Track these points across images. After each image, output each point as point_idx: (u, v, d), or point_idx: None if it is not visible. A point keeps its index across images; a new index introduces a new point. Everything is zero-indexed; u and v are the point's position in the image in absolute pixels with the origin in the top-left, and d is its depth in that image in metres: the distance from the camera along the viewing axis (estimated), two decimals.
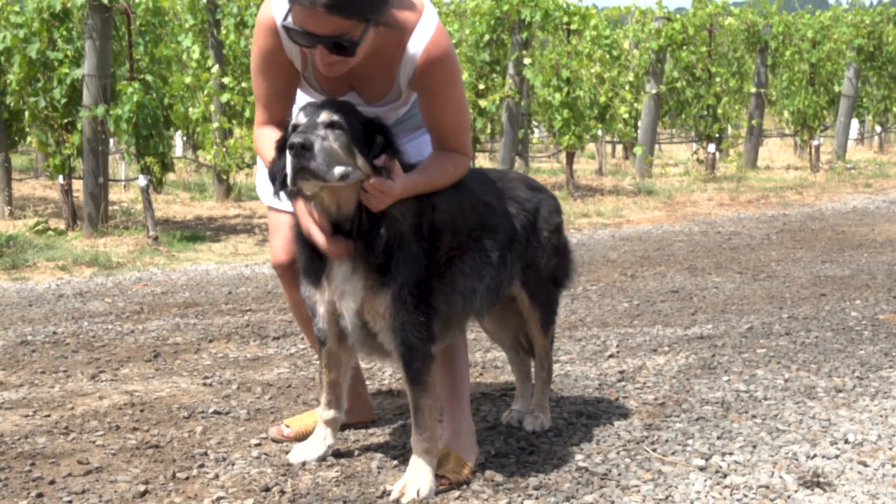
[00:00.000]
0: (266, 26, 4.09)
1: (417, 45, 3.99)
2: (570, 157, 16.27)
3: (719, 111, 19.26)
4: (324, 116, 3.67)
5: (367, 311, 3.88)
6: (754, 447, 4.60)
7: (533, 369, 5.04)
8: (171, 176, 15.70)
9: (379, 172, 3.71)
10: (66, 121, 12.17)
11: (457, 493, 4.11)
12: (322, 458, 4.47)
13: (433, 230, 3.93)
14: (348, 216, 3.78)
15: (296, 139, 3.52)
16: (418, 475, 4.02)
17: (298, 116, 3.74)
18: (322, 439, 4.47)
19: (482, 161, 20.61)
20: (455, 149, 4.11)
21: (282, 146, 3.78)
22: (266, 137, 4.12)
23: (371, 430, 4.95)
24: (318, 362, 4.40)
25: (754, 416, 5.06)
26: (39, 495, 4.12)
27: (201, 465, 4.47)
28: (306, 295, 4.09)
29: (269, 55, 4.13)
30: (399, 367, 3.97)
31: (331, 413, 4.44)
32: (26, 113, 12.50)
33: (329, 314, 4.01)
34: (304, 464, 4.43)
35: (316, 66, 4.05)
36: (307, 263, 4.01)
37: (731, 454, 4.51)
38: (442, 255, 3.97)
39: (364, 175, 3.69)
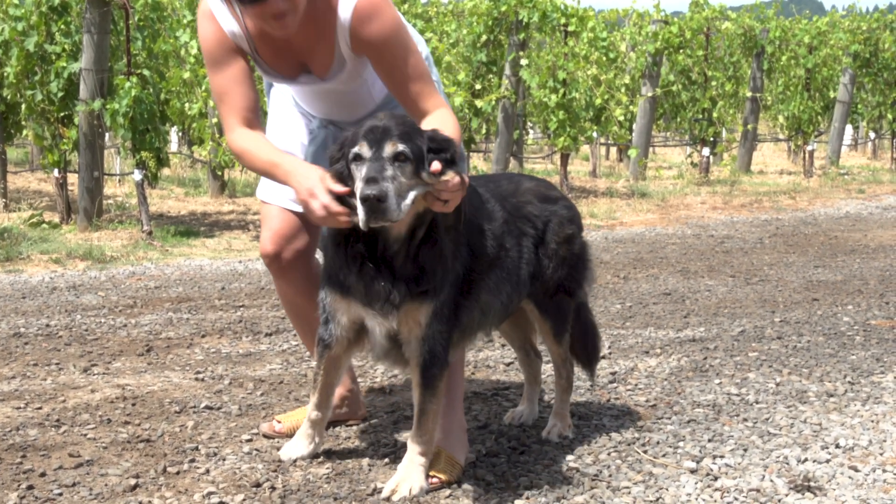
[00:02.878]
0: (205, 15, 4.19)
1: (347, 6, 4.04)
2: (565, 159, 16.29)
3: (714, 115, 19.29)
4: (388, 149, 3.62)
5: (405, 326, 3.90)
6: (745, 450, 4.61)
7: (544, 374, 5.15)
8: (165, 171, 15.70)
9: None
10: (62, 114, 12.16)
11: (447, 491, 4.11)
12: (313, 456, 4.47)
13: (469, 251, 4.03)
14: (399, 238, 3.80)
15: (370, 192, 3.47)
16: (411, 474, 4.04)
17: (361, 146, 3.66)
18: (311, 437, 4.47)
19: (477, 161, 20.60)
20: (435, 107, 4.12)
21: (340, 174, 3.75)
22: (255, 143, 4.15)
23: (362, 428, 4.95)
24: (312, 360, 4.41)
25: (745, 420, 5.08)
26: (30, 487, 4.12)
27: (192, 460, 4.47)
28: (326, 301, 4.06)
29: (217, 44, 4.18)
30: (415, 372, 3.99)
31: (319, 414, 4.44)
32: (23, 106, 12.49)
33: (351, 323, 4.03)
34: (294, 461, 4.43)
35: (261, 47, 4.16)
36: (334, 270, 3.98)
37: (722, 457, 4.52)
38: (474, 274, 4.07)
39: (426, 188, 3.65)
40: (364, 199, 3.48)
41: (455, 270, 3.93)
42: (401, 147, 3.61)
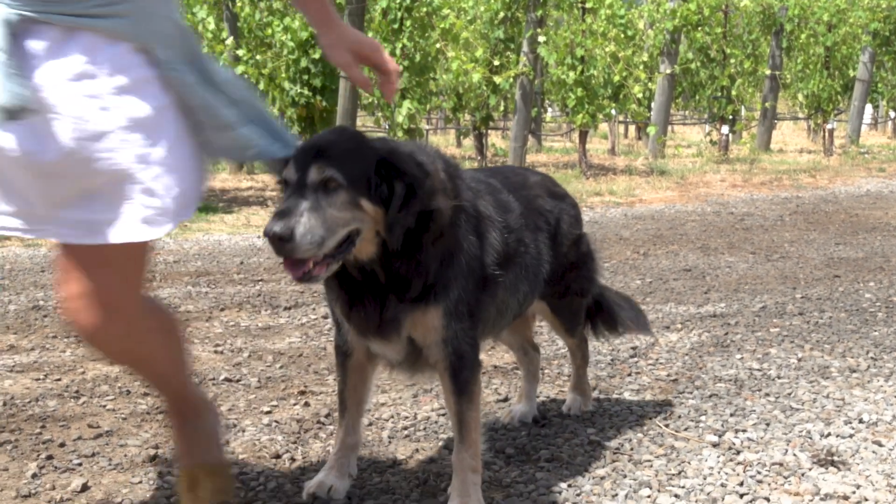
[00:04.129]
0: None
1: None
2: (583, 136, 16.22)
3: (733, 93, 19.20)
4: (314, 175, 3.06)
5: (418, 334, 3.43)
6: (768, 425, 4.57)
7: (541, 368, 5.00)
8: None
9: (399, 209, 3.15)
10: None
11: None
12: (349, 495, 3.81)
13: (483, 244, 3.57)
14: (370, 256, 3.26)
15: (269, 228, 2.98)
16: (468, 496, 3.56)
17: (289, 168, 3.11)
18: (345, 468, 3.84)
19: (494, 139, 20.53)
20: None
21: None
22: None
23: (381, 400, 4.93)
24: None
25: (767, 395, 5.04)
26: (49, 457, 4.12)
27: None
28: (332, 308, 3.64)
29: None
30: (445, 378, 3.52)
31: (350, 439, 3.84)
32: None
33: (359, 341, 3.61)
34: (331, 497, 3.73)
35: None
36: (334, 281, 3.45)
37: (744, 431, 4.48)
38: (491, 268, 3.61)
39: (376, 222, 3.15)
40: (265, 237, 3.01)
41: (463, 264, 3.41)
42: (329, 172, 3.05)
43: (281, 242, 2.97)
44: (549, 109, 25.75)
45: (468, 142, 21.88)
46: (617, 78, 16.67)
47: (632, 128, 26.29)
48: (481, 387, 3.73)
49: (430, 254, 3.30)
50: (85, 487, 3.84)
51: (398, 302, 3.32)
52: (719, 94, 19.40)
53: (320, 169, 3.06)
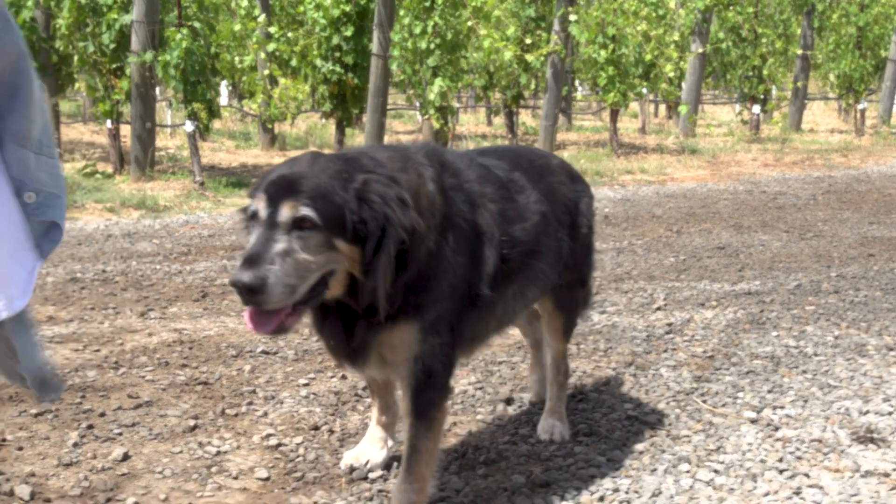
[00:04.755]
0: None
1: None
2: (614, 115, 16.15)
3: (765, 72, 19.03)
4: (286, 212, 2.77)
5: (387, 352, 3.13)
6: (806, 402, 4.55)
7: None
8: (216, 124, 15.76)
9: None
10: (114, 66, 12.21)
11: (506, 437, 4.10)
12: (387, 464, 3.80)
13: (490, 269, 3.30)
14: (343, 293, 3.00)
15: (237, 278, 2.68)
16: None
17: (258, 201, 2.84)
18: (383, 440, 3.83)
19: (525, 118, 20.47)
20: None
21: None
22: None
23: None
24: None
25: (805, 372, 5.01)
26: (90, 427, 4.15)
27: (250, 403, 4.48)
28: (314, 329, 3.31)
29: None
30: (406, 397, 3.20)
31: (385, 418, 3.82)
32: (75, 58, 12.55)
33: None
34: (367, 468, 3.75)
35: None
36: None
37: (782, 408, 4.46)
38: (488, 292, 3.32)
39: (352, 263, 2.88)
40: (232, 287, 2.72)
41: (443, 288, 3.09)
42: (304, 211, 2.76)
43: (251, 294, 2.68)
44: (580, 89, 25.64)
45: (498, 120, 21.82)
46: (648, 57, 16.57)
47: (662, 107, 26.16)
48: (445, 415, 3.30)
49: (405, 283, 3.00)
50: (126, 456, 3.87)
51: (368, 325, 3.04)
52: (750, 73, 19.25)
53: (293, 207, 2.76)
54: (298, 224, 2.76)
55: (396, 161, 3.12)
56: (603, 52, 15.58)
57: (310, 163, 2.92)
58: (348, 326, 3.08)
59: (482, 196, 3.33)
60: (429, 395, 3.16)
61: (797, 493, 3.57)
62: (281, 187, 2.81)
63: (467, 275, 3.20)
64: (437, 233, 3.06)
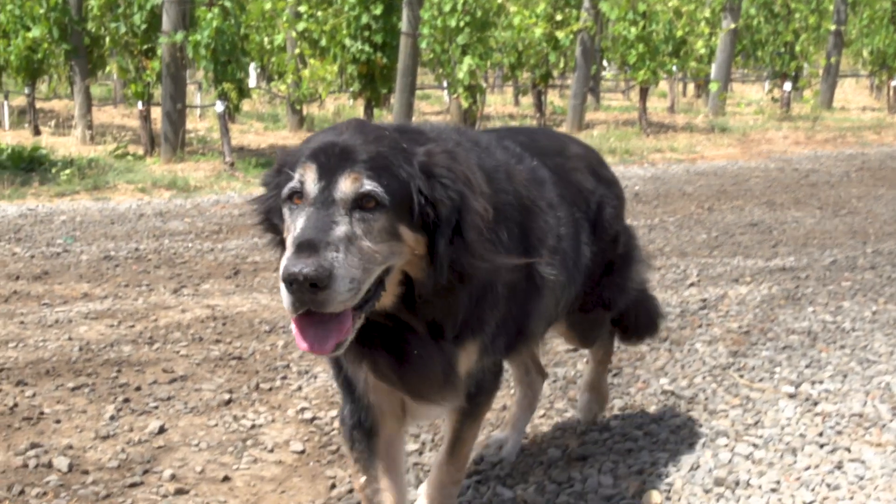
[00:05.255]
0: None
1: None
2: (644, 93, 16.04)
3: (797, 48, 18.85)
4: (346, 186, 2.24)
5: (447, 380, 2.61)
6: (844, 376, 4.50)
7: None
8: (245, 106, 15.79)
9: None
10: (145, 47, 12.24)
11: (541, 411, 4.08)
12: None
13: (545, 246, 2.84)
14: (395, 304, 2.44)
15: (297, 269, 2.08)
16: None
17: (305, 173, 2.28)
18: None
19: (553, 97, 20.37)
20: None
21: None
22: None
23: None
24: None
25: (843, 347, 4.96)
26: (126, 400, 4.17)
27: (284, 377, 4.49)
28: (341, 373, 2.76)
29: None
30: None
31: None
32: (107, 39, 12.58)
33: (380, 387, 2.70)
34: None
35: None
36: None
37: (820, 382, 4.42)
38: (549, 272, 2.88)
39: (415, 258, 2.35)
40: (288, 282, 2.10)
41: (499, 290, 2.63)
42: (368, 186, 2.23)
43: (313, 290, 2.10)
44: (608, 68, 25.51)
45: (526, 100, 21.74)
46: (679, 33, 16.42)
47: (690, 86, 25.98)
48: (491, 405, 3.12)
49: (468, 287, 2.49)
50: (162, 430, 3.88)
51: (423, 343, 2.49)
52: (782, 49, 19.07)
53: (355, 180, 2.24)
54: (360, 202, 2.22)
55: (443, 136, 2.65)
56: (633, 29, 15.46)
57: (358, 129, 2.38)
58: (391, 345, 2.49)
59: (520, 173, 2.86)
60: (479, 398, 2.88)
61: (838, 467, 3.53)
62: (335, 156, 2.28)
63: (527, 262, 2.73)
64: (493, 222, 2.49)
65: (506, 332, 2.77)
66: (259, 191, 2.55)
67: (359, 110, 16.59)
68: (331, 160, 2.26)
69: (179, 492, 3.39)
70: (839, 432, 3.85)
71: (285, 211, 2.33)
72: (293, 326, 2.24)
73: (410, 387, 2.55)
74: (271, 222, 2.47)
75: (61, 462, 3.53)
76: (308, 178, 2.26)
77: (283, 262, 2.12)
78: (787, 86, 19.03)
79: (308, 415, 4.04)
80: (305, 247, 2.12)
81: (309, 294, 2.09)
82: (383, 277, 2.28)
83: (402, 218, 2.27)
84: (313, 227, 2.17)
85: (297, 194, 2.28)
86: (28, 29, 13.56)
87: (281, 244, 2.45)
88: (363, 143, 2.31)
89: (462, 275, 2.39)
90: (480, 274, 2.43)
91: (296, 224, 2.23)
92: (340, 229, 2.17)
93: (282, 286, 2.12)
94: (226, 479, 3.48)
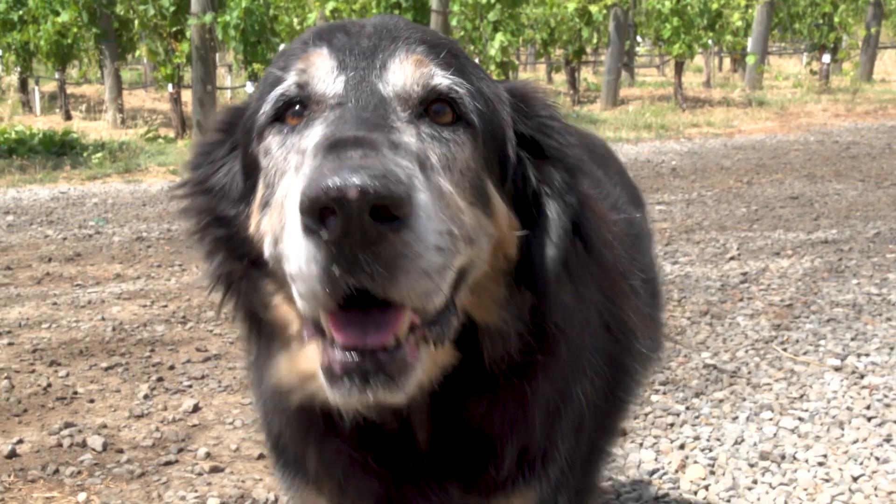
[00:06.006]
0: None
1: None
2: (679, 67, 15.85)
3: (836, 19, 18.56)
4: (405, 71, 1.38)
5: None
6: (892, 349, 4.38)
7: None
8: None
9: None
10: (174, 29, 12.20)
11: None
12: None
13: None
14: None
15: (350, 177, 1.11)
16: None
17: (313, 75, 1.38)
18: None
19: (586, 73, 20.19)
20: None
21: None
22: None
23: None
24: None
25: (889, 319, 4.84)
26: (160, 379, 4.13)
27: None
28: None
29: None
30: None
31: None
32: (136, 21, 12.57)
33: None
34: None
35: None
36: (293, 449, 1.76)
37: (867, 355, 4.30)
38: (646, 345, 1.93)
39: (499, 247, 1.44)
40: (319, 210, 1.13)
41: (577, 398, 1.63)
42: (445, 79, 1.38)
43: (374, 234, 1.12)
44: (641, 43, 25.29)
45: (559, 77, 21.57)
46: (714, 6, 16.21)
47: (726, 60, 25.71)
48: None
49: (550, 373, 1.54)
50: (196, 408, 3.84)
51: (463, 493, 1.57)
52: (821, 21, 18.80)
53: (419, 62, 1.38)
54: (431, 106, 1.36)
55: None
56: (667, 3, 15.28)
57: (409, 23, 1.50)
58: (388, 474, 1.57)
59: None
60: None
61: (888, 440, 3.43)
62: (368, 36, 1.41)
63: (616, 343, 1.77)
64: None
65: (574, 474, 1.69)
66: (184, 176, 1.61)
67: None
68: (362, 41, 1.38)
69: (215, 469, 3.34)
70: (888, 405, 3.74)
71: (268, 144, 1.38)
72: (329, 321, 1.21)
73: None
74: (216, 216, 1.52)
75: (95, 441, 3.49)
76: (320, 66, 1.34)
77: (302, 180, 1.15)
78: (826, 58, 18.74)
79: None
80: (351, 143, 1.17)
81: (364, 239, 1.10)
82: (456, 287, 1.32)
83: (490, 168, 1.37)
84: (354, 121, 1.25)
85: (295, 104, 1.35)
86: (57, 14, 13.59)
87: (239, 258, 1.48)
88: (415, 27, 1.46)
89: (570, 324, 1.43)
90: (594, 326, 1.52)
91: (301, 146, 1.31)
92: (407, 138, 1.25)
93: (296, 253, 1.15)
94: (261, 456, 3.43)
